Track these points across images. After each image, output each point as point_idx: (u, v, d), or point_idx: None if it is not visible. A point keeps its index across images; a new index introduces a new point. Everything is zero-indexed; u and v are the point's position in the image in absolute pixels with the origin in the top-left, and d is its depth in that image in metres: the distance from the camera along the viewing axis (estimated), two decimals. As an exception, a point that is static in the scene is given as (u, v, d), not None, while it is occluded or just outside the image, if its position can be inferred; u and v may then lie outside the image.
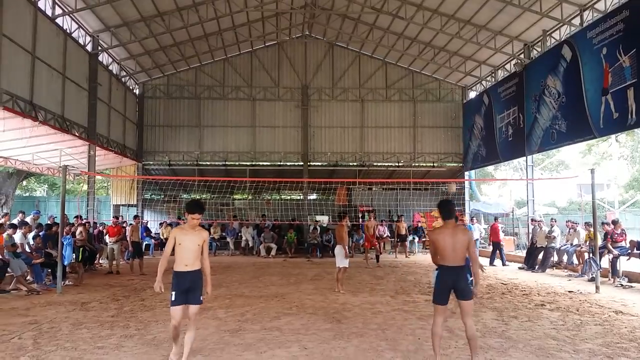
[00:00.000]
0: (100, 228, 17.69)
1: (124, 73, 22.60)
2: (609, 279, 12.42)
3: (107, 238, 15.81)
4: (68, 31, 16.77)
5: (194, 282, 5.44)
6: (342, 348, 6.34)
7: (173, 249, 5.46)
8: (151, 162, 24.97)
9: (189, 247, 5.40)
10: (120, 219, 18.19)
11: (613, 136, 25.69)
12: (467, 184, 25.16)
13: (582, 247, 14.23)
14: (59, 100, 16.05)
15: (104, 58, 20.05)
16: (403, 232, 21.14)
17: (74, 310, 8.74)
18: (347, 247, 11.28)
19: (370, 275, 13.92)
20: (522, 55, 19.36)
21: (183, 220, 22.02)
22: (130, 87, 23.77)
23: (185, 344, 5.46)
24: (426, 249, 22.52)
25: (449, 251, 5.39)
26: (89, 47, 18.47)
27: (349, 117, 25.42)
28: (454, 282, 5.39)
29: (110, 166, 24.27)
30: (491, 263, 17.01)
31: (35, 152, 18.27)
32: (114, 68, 21.43)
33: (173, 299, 5.37)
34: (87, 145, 18.37)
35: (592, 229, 12.69)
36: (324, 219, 23.18)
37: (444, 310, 5.54)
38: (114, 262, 14.67)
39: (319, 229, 21.51)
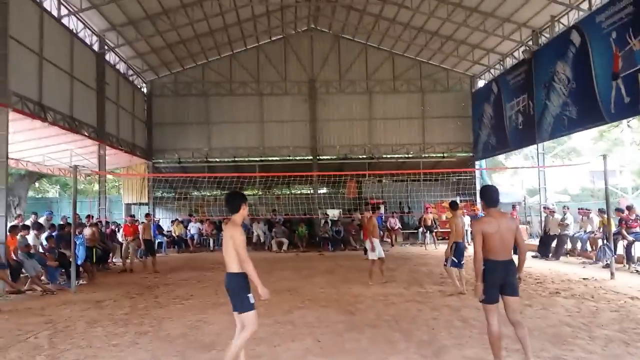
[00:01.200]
0: (113, 227, 17.81)
1: (131, 72, 22.66)
2: (624, 265, 12.30)
3: (121, 237, 15.91)
4: (74, 31, 16.82)
5: None
6: (356, 340, 6.33)
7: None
8: (161, 160, 25.06)
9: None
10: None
11: (625, 121, 25.39)
12: (477, 173, 24.98)
13: (595, 234, 14.11)
14: (67, 100, 16.10)
15: (110, 57, 20.10)
16: (429, 223, 21.20)
17: (88, 309, 8.80)
18: (373, 240, 11.27)
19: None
20: (530, 42, 19.12)
21: (194, 217, 22.18)
22: (138, 86, 23.83)
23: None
24: (438, 239, 22.43)
25: (497, 243, 4.95)
26: (95, 47, 18.52)
27: (357, 109, 25.30)
28: (503, 278, 4.96)
29: (121, 165, 24.39)
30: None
31: (46, 152, 18.38)
32: (121, 67, 21.48)
33: (252, 301, 4.74)
34: (97, 144, 18.45)
35: (605, 216, 12.56)
36: (334, 213, 23.14)
37: (497, 308, 5.04)
38: (128, 261, 14.75)
39: (329, 222, 21.51)
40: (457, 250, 9.41)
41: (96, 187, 24.54)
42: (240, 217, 4.94)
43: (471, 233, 5.45)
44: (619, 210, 13.54)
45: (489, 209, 5.14)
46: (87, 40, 18.00)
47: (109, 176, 27.34)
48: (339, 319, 7.57)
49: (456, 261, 9.46)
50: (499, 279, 4.96)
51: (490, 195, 5.19)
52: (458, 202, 11.09)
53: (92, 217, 17.19)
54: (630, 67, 12.93)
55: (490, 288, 4.98)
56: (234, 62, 25.01)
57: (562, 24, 17.41)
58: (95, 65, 18.39)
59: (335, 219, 22.22)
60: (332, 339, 6.40)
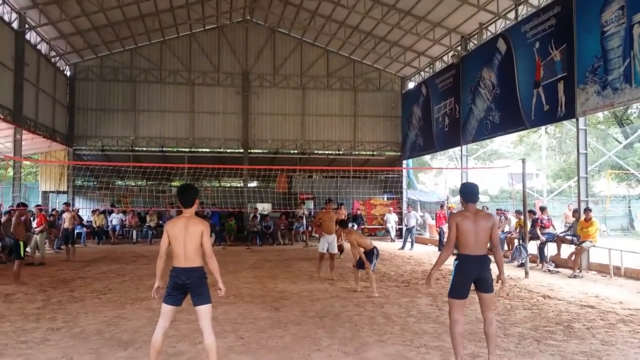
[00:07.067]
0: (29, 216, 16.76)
1: (53, 53, 21.42)
2: (538, 265, 12.99)
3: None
4: (-9, 7, 15.72)
5: None
6: (280, 337, 6.29)
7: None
8: (83, 147, 23.91)
9: None
10: (66, 206, 17.08)
11: (543, 127, 26.84)
12: (404, 172, 25.62)
13: (512, 234, 14.80)
14: (-20, 80, 15.04)
15: (31, 37, 18.94)
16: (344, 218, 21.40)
17: (-5, 303, 8.25)
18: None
19: (309, 263, 13.93)
20: (459, 48, 19.79)
21: (117, 208, 21.36)
22: (61, 68, 22.60)
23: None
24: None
25: (472, 238, 4.91)
26: (15, 25, 17.38)
27: (290, 104, 25.27)
28: (477, 273, 4.93)
29: (39, 151, 23.06)
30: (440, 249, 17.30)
31: (-45, 134, 17.10)
32: (43, 47, 20.27)
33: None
34: (12, 128, 17.34)
35: (522, 217, 13.20)
36: (265, 207, 23.03)
37: (463, 305, 5.03)
38: (37, 252, 13.88)
39: (259, 216, 21.37)
40: (370, 255, 9.64)
41: (10, 172, 23.09)
42: (194, 211, 5.05)
43: (447, 225, 5.47)
44: (531, 212, 14.26)
45: (467, 205, 5.10)
46: (6, 17, 16.88)
47: (26, 162, 25.74)
48: (263, 315, 7.51)
49: (375, 263, 9.83)
50: (473, 274, 4.94)
51: (468, 191, 5.18)
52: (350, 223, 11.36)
53: (24, 204, 14.92)
54: (551, 77, 13.69)
55: (462, 282, 4.96)
56: (165, 49, 24.26)
57: (490, 31, 18.13)
58: (14, 44, 17.27)
59: (265, 213, 22.09)
60: (256, 335, 6.33)
